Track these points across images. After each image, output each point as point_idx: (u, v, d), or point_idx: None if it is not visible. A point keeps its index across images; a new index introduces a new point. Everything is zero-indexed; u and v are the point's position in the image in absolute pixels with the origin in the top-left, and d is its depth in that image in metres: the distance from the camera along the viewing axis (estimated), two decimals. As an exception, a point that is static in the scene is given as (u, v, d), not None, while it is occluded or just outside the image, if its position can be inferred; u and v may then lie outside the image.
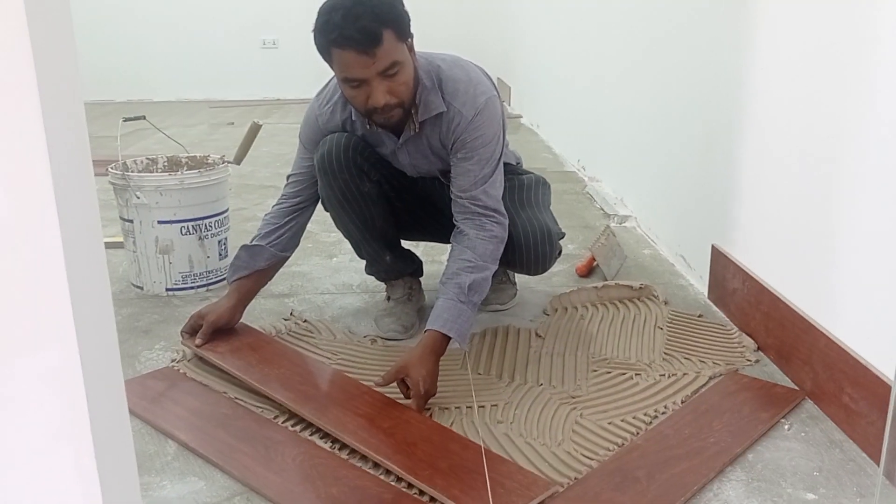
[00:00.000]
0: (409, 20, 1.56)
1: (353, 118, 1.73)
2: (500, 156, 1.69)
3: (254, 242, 1.79)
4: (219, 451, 1.37)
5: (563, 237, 1.93)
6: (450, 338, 1.55)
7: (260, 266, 1.79)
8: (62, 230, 0.68)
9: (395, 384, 1.52)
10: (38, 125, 0.65)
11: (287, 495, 1.25)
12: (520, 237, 1.78)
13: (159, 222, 2.06)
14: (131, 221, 2.08)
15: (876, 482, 1.12)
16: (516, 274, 2.14)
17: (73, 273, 0.70)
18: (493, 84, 1.73)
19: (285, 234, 1.81)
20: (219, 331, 1.74)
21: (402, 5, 1.56)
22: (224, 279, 2.19)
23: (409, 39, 1.57)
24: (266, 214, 1.85)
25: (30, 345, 0.70)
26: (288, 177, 1.85)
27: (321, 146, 1.75)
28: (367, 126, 1.71)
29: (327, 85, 1.78)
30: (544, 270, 1.89)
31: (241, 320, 1.82)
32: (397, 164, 1.81)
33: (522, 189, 1.89)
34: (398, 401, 1.51)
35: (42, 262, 0.68)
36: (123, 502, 0.81)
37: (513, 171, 1.90)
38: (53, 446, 0.73)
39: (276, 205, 1.84)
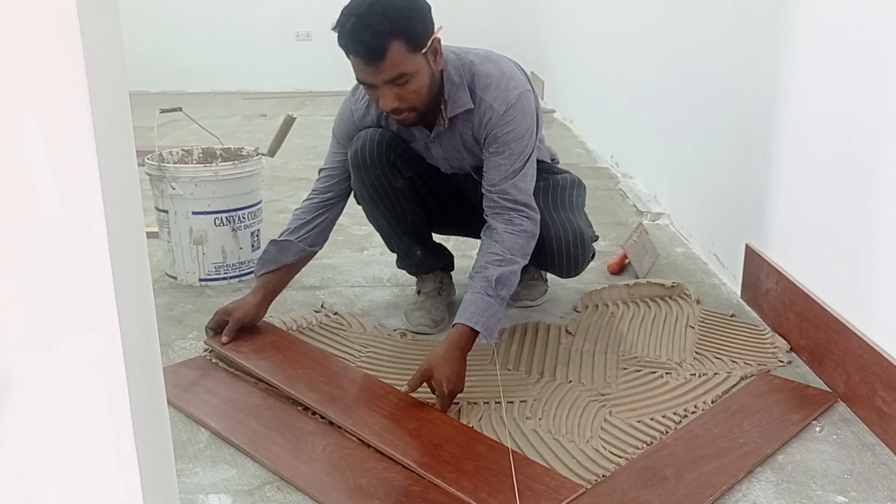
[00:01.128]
0: (430, 27, 1.55)
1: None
2: (533, 151, 1.68)
3: (282, 237, 1.81)
4: (250, 440, 1.39)
5: (596, 240, 1.92)
6: (477, 332, 1.54)
7: (288, 261, 1.80)
8: (107, 219, 0.70)
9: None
10: (86, 120, 0.67)
11: (316, 485, 1.27)
12: (552, 240, 1.77)
13: (193, 213, 2.09)
14: (166, 212, 2.11)
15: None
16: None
17: (117, 260, 0.72)
18: (528, 78, 1.73)
19: (315, 228, 1.82)
20: (244, 328, 1.76)
21: (422, 12, 1.54)
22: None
23: (428, 46, 1.55)
24: (296, 209, 1.86)
25: (73, 329, 0.72)
26: (320, 171, 1.86)
27: (355, 141, 1.76)
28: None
29: None
30: (577, 273, 1.89)
31: (269, 313, 1.83)
32: (431, 160, 1.82)
33: (557, 190, 1.88)
34: (425, 401, 1.51)
35: (87, 249, 0.70)
36: (161, 488, 0.83)
37: (548, 171, 1.89)
38: (95, 431, 0.75)
39: (307, 199, 1.85)
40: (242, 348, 1.71)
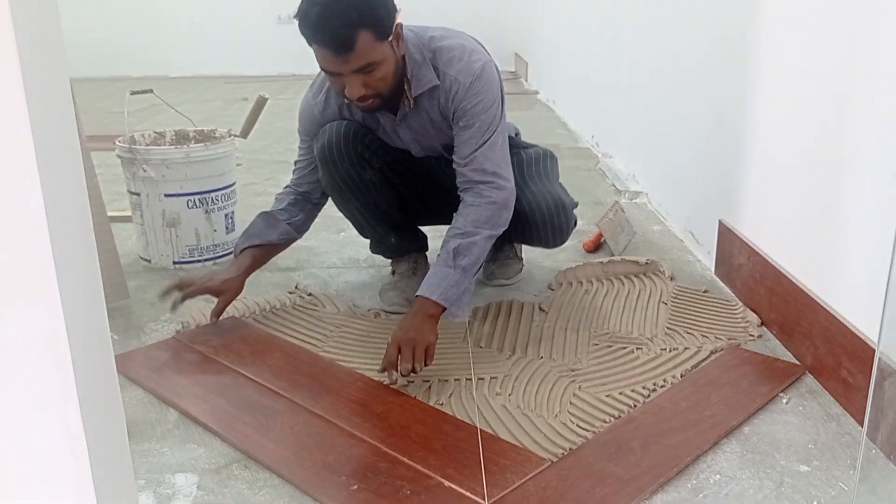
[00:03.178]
0: (393, 13, 1.53)
1: (348, 101, 1.70)
2: (501, 120, 1.67)
3: (243, 243, 1.80)
4: (218, 420, 1.39)
5: (576, 206, 1.92)
6: (438, 302, 1.55)
7: (272, 239, 1.80)
8: (44, 193, 0.69)
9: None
10: (18, 86, 0.66)
11: (284, 463, 1.27)
12: (534, 212, 1.78)
13: (166, 195, 2.08)
14: (138, 195, 2.10)
15: (860, 440, 1.12)
16: (525, 249, 2.14)
17: (56, 234, 0.71)
18: (487, 51, 1.72)
19: (298, 216, 1.83)
20: (215, 326, 1.78)
21: (386, 1, 1.52)
22: (229, 253, 2.21)
23: (393, 32, 1.53)
24: (279, 194, 1.88)
25: (13, 303, 0.71)
26: (295, 163, 1.88)
27: (321, 136, 1.75)
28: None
29: (319, 75, 1.76)
30: (562, 242, 1.90)
31: (243, 294, 1.83)
32: (400, 144, 1.80)
33: (531, 163, 1.89)
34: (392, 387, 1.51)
35: (24, 222, 0.69)
36: (112, 462, 0.82)
37: (517, 146, 1.89)
38: (41, 406, 0.74)
39: (276, 202, 1.86)
40: (212, 342, 1.70)
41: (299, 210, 1.83)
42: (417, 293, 1.57)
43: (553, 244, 1.90)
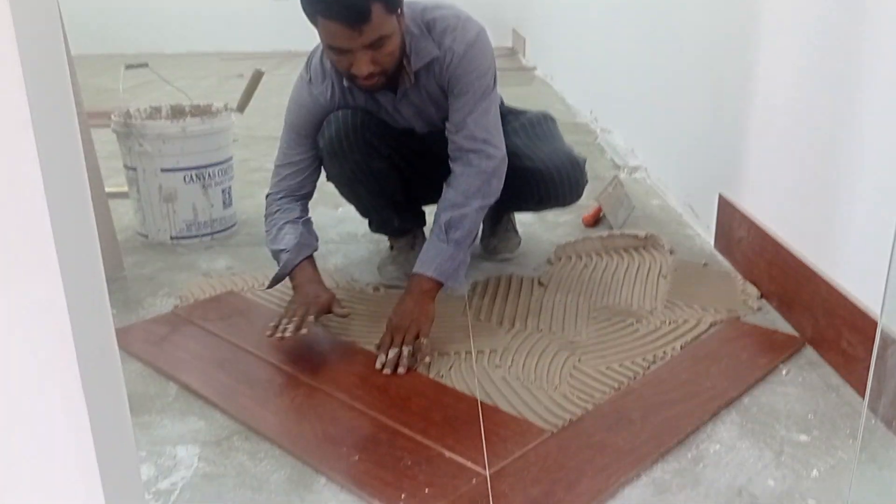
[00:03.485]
0: None
1: (346, 84, 1.65)
2: (494, 87, 1.65)
3: (297, 257, 1.64)
4: (218, 392, 1.39)
5: (585, 161, 1.91)
6: (434, 278, 1.54)
7: (315, 246, 1.71)
8: (41, 162, 0.68)
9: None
10: (13, 53, 0.65)
11: (285, 434, 1.27)
12: (550, 172, 1.78)
13: (162, 170, 2.07)
14: (134, 169, 2.09)
15: (859, 410, 1.12)
16: (522, 223, 2.13)
17: (55, 206, 0.70)
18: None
19: (309, 226, 1.72)
20: (213, 300, 1.76)
21: None
22: (227, 229, 2.20)
23: (400, 8, 1.51)
24: (275, 215, 1.70)
25: (12, 275, 0.70)
26: (280, 167, 1.72)
27: (327, 128, 1.70)
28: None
29: (309, 64, 1.71)
30: (577, 199, 1.90)
31: (243, 269, 1.82)
32: (403, 123, 1.77)
33: (533, 126, 1.88)
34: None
35: (22, 190, 0.68)
36: (114, 433, 0.82)
37: (511, 112, 1.90)
38: (41, 378, 0.74)
39: (280, 201, 1.70)
40: (210, 316, 1.70)
41: (306, 213, 1.73)
42: (413, 270, 1.56)
43: (569, 201, 1.89)
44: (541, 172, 1.77)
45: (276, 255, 1.66)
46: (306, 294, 1.58)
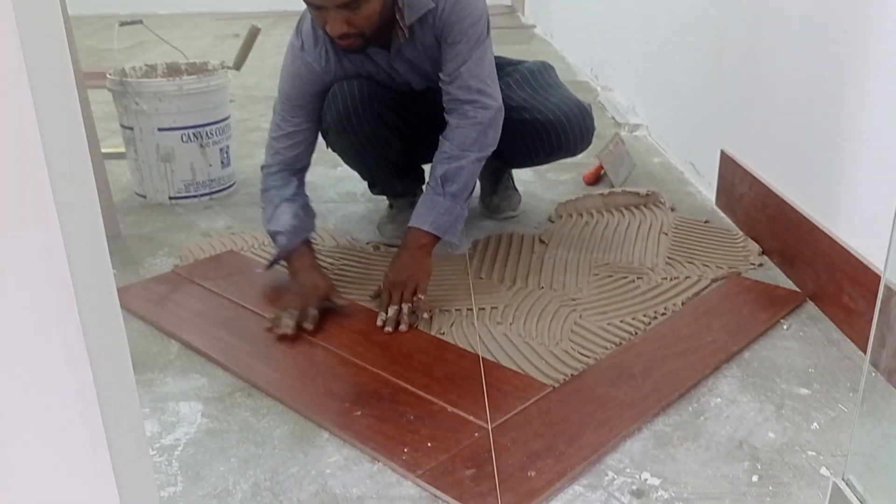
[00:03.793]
0: None
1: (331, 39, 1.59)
2: (488, 35, 1.62)
3: (294, 240, 1.60)
4: (220, 350, 1.39)
5: (591, 107, 1.89)
6: (430, 232, 1.54)
7: (312, 229, 1.67)
8: (36, 104, 0.67)
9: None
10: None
11: (287, 390, 1.27)
12: (560, 121, 1.76)
13: (159, 129, 2.04)
14: (131, 129, 2.07)
15: (860, 364, 1.11)
16: (522, 181, 2.12)
17: (51, 149, 0.69)
18: None
19: (306, 195, 1.69)
20: (213, 260, 1.76)
21: None
22: (226, 188, 2.19)
23: None
24: (270, 189, 1.65)
25: (9, 222, 0.70)
26: (276, 138, 1.67)
27: (333, 101, 1.65)
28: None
29: (300, 29, 1.65)
30: (588, 146, 1.88)
31: (241, 228, 1.80)
32: (399, 79, 1.72)
33: (535, 75, 1.86)
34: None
35: (17, 135, 0.67)
36: (117, 383, 0.82)
37: (509, 64, 1.88)
38: (40, 326, 0.74)
39: (275, 174, 1.66)
40: (210, 275, 1.69)
41: (302, 189, 1.69)
42: (409, 223, 1.55)
43: (580, 149, 1.87)
44: (551, 123, 1.76)
45: (272, 235, 1.63)
46: (304, 284, 1.53)
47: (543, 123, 1.76)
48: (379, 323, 1.46)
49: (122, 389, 0.84)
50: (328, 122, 1.68)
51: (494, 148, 1.62)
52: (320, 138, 1.76)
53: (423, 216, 1.55)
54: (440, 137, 1.60)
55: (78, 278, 0.73)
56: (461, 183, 1.56)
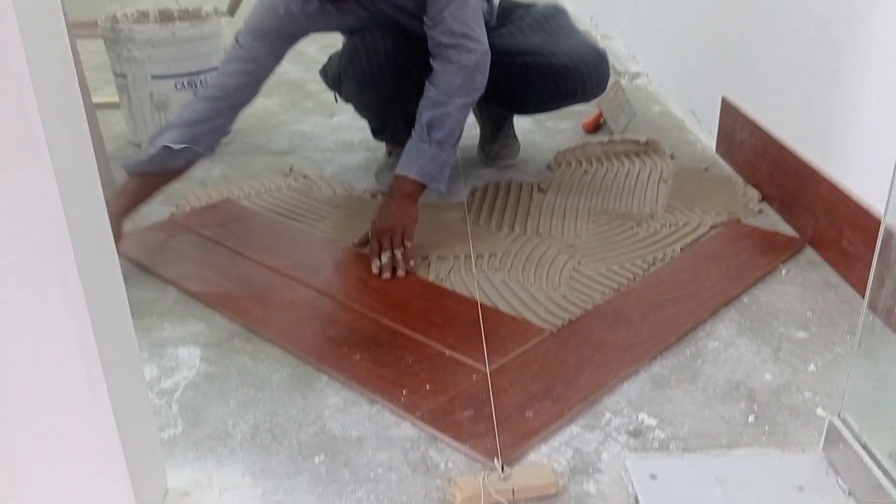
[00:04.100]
0: None
1: None
2: None
3: (178, 142, 1.51)
4: (218, 296, 1.39)
5: (606, 52, 1.86)
6: (416, 180, 1.52)
7: (177, 165, 1.55)
8: (25, 45, 0.65)
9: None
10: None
11: (285, 335, 1.27)
12: (577, 67, 1.73)
13: (153, 77, 2.01)
14: (124, 76, 2.04)
15: (858, 307, 1.11)
16: (521, 129, 2.10)
17: (42, 90, 0.68)
18: None
19: (215, 132, 1.57)
20: (210, 208, 1.73)
21: None
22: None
23: None
24: (191, 104, 1.56)
25: (2, 163, 0.69)
26: (228, 61, 1.56)
27: (357, 55, 1.62)
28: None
29: None
30: (603, 91, 1.85)
31: (238, 176, 1.78)
32: (390, 21, 1.69)
33: (547, 20, 1.83)
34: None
35: (8, 76, 0.66)
36: (114, 322, 0.82)
37: (520, 6, 1.83)
38: (38, 269, 0.73)
39: (207, 96, 1.56)
40: (208, 223, 1.68)
41: (217, 126, 1.56)
42: (395, 172, 1.53)
43: (596, 94, 1.84)
44: (567, 69, 1.72)
45: (157, 147, 1.50)
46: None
47: (560, 69, 1.72)
48: (374, 270, 1.46)
49: (120, 331, 0.84)
50: (349, 75, 1.66)
51: (482, 93, 1.58)
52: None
53: (409, 164, 1.53)
54: (426, 82, 1.56)
55: (72, 216, 0.72)
56: (447, 130, 1.53)
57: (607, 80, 1.83)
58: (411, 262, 1.48)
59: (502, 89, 1.76)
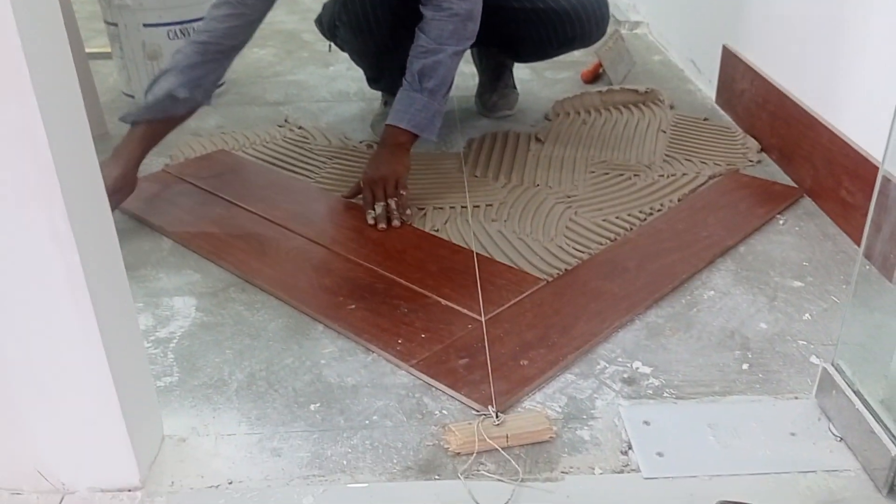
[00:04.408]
0: None
1: None
2: None
3: (177, 86, 1.47)
4: (213, 246, 1.39)
5: None
6: (407, 129, 1.50)
7: (179, 113, 1.53)
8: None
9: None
10: None
11: (281, 284, 1.27)
12: (576, 10, 1.72)
13: (145, 25, 1.98)
14: (116, 25, 2.00)
15: (854, 257, 1.11)
16: (519, 79, 2.07)
17: (24, 25, 0.66)
18: None
19: (211, 78, 1.53)
20: (204, 159, 1.71)
21: None
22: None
23: None
24: (183, 49, 1.51)
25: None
26: (218, 5, 1.50)
27: (351, 2, 1.60)
28: None
29: None
30: (603, 35, 1.83)
31: (232, 127, 1.76)
32: None
33: None
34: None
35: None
36: (106, 265, 0.81)
37: None
38: (25, 205, 0.72)
39: (198, 41, 1.50)
40: (202, 174, 1.67)
41: (214, 73, 1.53)
42: (387, 122, 1.51)
43: (595, 39, 1.82)
44: (566, 12, 1.70)
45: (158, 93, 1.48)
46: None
47: (559, 13, 1.70)
48: (370, 220, 1.45)
49: (112, 275, 0.83)
50: (344, 21, 1.63)
51: (473, 41, 1.54)
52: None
53: (401, 113, 1.51)
54: (416, 30, 1.52)
55: (58, 153, 0.71)
56: (439, 78, 1.50)
57: (607, 23, 1.80)
58: (407, 212, 1.47)
59: (500, 34, 1.73)
